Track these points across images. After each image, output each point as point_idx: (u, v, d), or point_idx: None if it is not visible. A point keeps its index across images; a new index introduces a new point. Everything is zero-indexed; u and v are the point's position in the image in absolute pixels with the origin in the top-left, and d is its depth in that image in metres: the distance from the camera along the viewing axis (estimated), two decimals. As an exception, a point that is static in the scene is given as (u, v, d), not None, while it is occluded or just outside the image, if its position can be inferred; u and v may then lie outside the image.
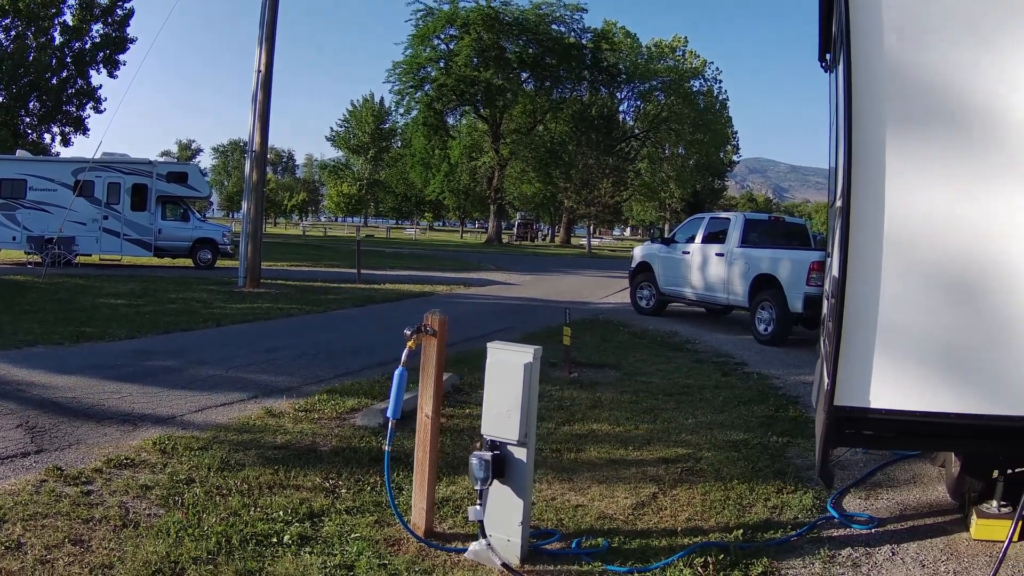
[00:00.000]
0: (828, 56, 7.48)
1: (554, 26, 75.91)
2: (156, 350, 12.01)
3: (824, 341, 6.25)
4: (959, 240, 4.52)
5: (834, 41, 6.30)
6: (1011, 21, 4.43)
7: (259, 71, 22.03)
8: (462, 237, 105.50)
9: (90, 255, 29.28)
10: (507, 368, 4.94)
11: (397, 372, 5.09)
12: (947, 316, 4.58)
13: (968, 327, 4.57)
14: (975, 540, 5.67)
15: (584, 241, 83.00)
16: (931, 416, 4.66)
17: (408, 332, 5.10)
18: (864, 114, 4.52)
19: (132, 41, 56.22)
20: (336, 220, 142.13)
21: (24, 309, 15.72)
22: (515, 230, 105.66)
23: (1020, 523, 5.15)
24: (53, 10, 52.60)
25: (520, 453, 4.95)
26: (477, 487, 4.98)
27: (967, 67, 4.48)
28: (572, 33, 76.83)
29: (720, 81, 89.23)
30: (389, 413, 5.16)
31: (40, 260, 26.29)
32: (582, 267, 45.42)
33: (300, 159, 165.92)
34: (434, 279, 29.38)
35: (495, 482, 4.96)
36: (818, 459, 5.03)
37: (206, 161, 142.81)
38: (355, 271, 27.38)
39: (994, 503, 5.70)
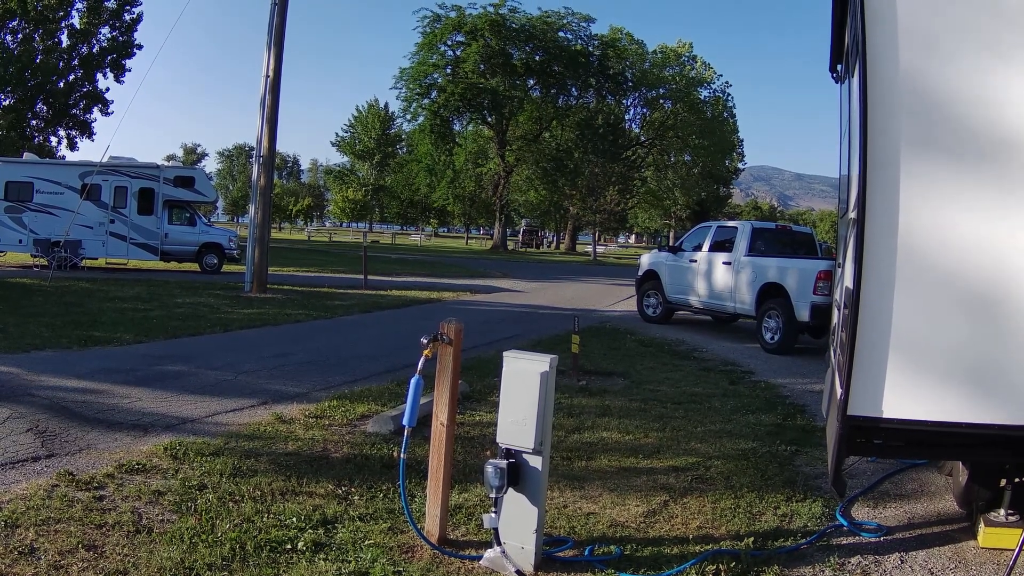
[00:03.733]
0: (839, 67, 7.51)
1: (561, 33, 76.04)
2: (164, 354, 12.03)
3: (835, 351, 6.27)
4: (972, 252, 4.54)
5: (847, 53, 6.33)
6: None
7: (267, 76, 22.08)
8: (467, 244, 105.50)
9: (96, 259, 29.34)
10: (523, 377, 4.95)
11: (413, 380, 5.09)
12: (959, 327, 4.60)
13: (980, 338, 4.59)
14: (983, 548, 5.70)
15: (589, 248, 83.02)
16: (942, 426, 4.69)
17: (424, 340, 5.11)
18: (879, 126, 4.54)
19: (139, 47, 56.58)
20: (341, 225, 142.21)
21: (31, 312, 15.74)
22: (520, 237, 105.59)
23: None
24: (61, 13, 52.75)
25: (535, 461, 4.97)
26: (492, 495, 5.00)
27: (984, 82, 4.50)
28: (579, 41, 76.91)
29: (728, 93, 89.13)
30: (405, 421, 5.16)
31: (46, 263, 26.31)
32: (587, 274, 45.44)
33: (305, 164, 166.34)
34: (440, 286, 29.36)
35: (510, 490, 4.97)
36: (831, 468, 5.04)
37: (211, 165, 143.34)
38: (361, 277, 27.37)
39: (1002, 512, 5.71)
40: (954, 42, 4.56)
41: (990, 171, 4.51)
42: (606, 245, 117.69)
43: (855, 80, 4.91)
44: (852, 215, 4.92)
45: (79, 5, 53.74)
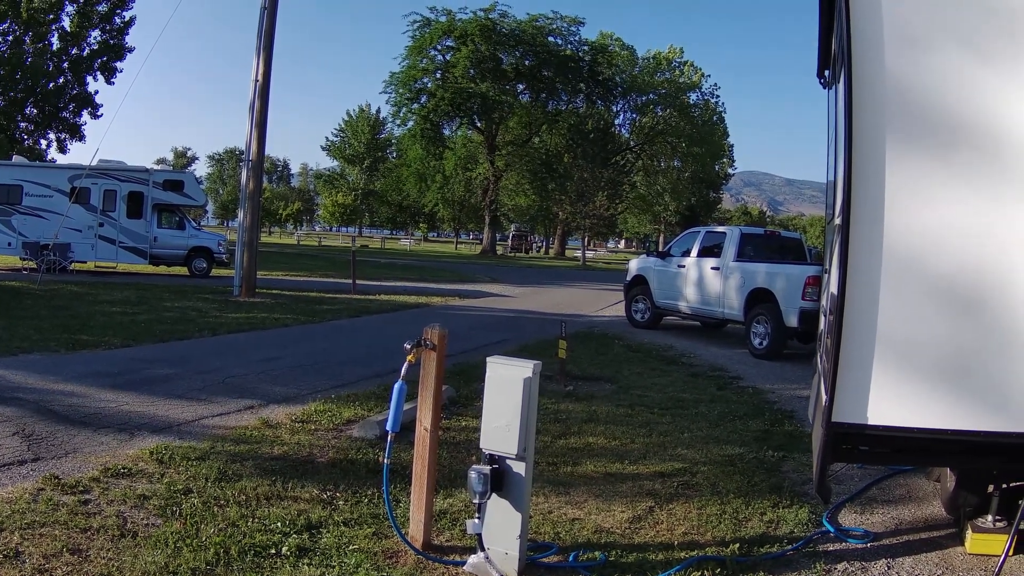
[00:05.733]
0: (827, 72, 7.52)
1: (551, 38, 76.08)
2: (152, 358, 11.98)
3: (821, 357, 6.27)
4: (958, 257, 4.54)
5: (834, 58, 6.34)
6: (1013, 38, 4.46)
7: (256, 80, 22.06)
8: (456, 248, 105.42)
9: (85, 262, 29.27)
10: (506, 383, 4.94)
11: (396, 386, 5.08)
12: (945, 333, 4.60)
13: (966, 344, 4.58)
14: (970, 554, 5.69)
15: (578, 253, 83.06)
16: (928, 432, 4.67)
17: (408, 346, 5.10)
18: (865, 130, 4.54)
19: (130, 50, 56.29)
20: (331, 230, 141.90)
21: (19, 315, 15.68)
22: (509, 242, 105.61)
23: (1016, 537, 5.19)
24: (52, 16, 52.53)
25: (519, 467, 4.96)
26: (475, 500, 4.98)
27: (968, 83, 4.50)
28: (569, 45, 76.99)
29: (717, 96, 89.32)
30: (388, 426, 5.15)
31: (35, 266, 26.16)
32: (576, 279, 45.44)
33: (295, 168, 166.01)
34: (429, 290, 29.35)
35: (493, 495, 4.96)
36: (816, 475, 5.04)
37: (201, 169, 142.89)
38: (350, 281, 27.31)
39: (989, 517, 5.71)
40: (940, 45, 4.56)
41: (976, 172, 4.51)
42: (595, 250, 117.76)
43: (841, 84, 4.91)
44: (838, 220, 4.92)
45: (69, 8, 53.54)
